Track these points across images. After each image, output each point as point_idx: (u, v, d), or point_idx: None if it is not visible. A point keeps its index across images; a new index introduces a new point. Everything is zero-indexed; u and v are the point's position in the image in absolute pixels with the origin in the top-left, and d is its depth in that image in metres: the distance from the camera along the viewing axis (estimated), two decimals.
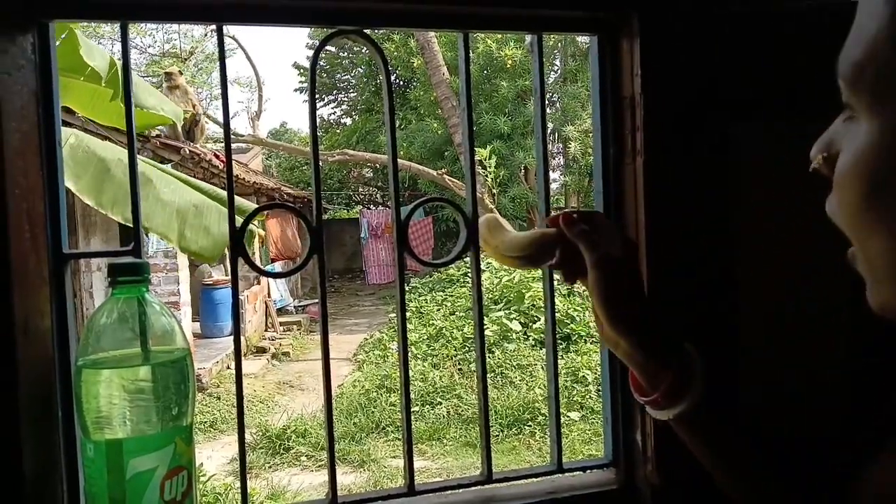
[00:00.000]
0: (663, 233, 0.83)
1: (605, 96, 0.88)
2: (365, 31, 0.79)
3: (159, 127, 7.31)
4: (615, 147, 0.87)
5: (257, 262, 0.81)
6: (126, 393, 0.63)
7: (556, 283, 0.87)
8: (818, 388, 0.87)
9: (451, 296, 9.77)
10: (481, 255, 0.85)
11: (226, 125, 0.74)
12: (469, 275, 9.74)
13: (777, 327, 0.86)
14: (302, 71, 22.23)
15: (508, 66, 13.15)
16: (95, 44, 2.73)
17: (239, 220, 0.74)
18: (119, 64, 2.60)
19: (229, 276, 7.22)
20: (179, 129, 7.44)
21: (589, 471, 0.89)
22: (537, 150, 0.89)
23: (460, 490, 0.85)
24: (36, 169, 0.67)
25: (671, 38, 0.82)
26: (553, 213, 0.73)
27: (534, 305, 7.96)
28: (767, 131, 0.85)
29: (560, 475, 0.88)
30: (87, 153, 2.31)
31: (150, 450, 0.63)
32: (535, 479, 0.88)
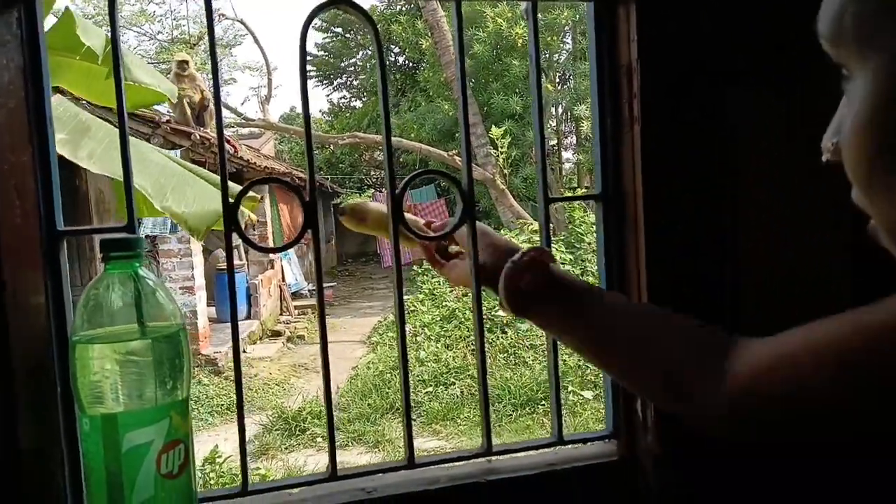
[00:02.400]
0: (660, 200, 0.81)
1: (603, 64, 0.86)
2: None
3: (169, 112, 7.34)
4: (613, 116, 0.86)
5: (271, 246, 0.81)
6: (120, 367, 0.63)
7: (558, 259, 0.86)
8: None
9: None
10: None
11: (216, 94, 0.74)
12: None
13: (776, 292, 0.84)
14: (310, 56, 22.17)
15: (519, 45, 13.03)
16: (91, 23, 2.72)
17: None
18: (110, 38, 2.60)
19: (242, 261, 7.22)
20: (189, 114, 7.46)
21: (590, 443, 0.89)
22: (534, 121, 0.87)
23: (460, 462, 0.85)
24: (25, 145, 0.67)
25: (667, 3, 0.80)
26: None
27: None
28: (759, 97, 0.83)
29: (561, 447, 0.88)
30: (68, 112, 2.32)
31: (146, 423, 0.64)
32: (535, 452, 0.88)
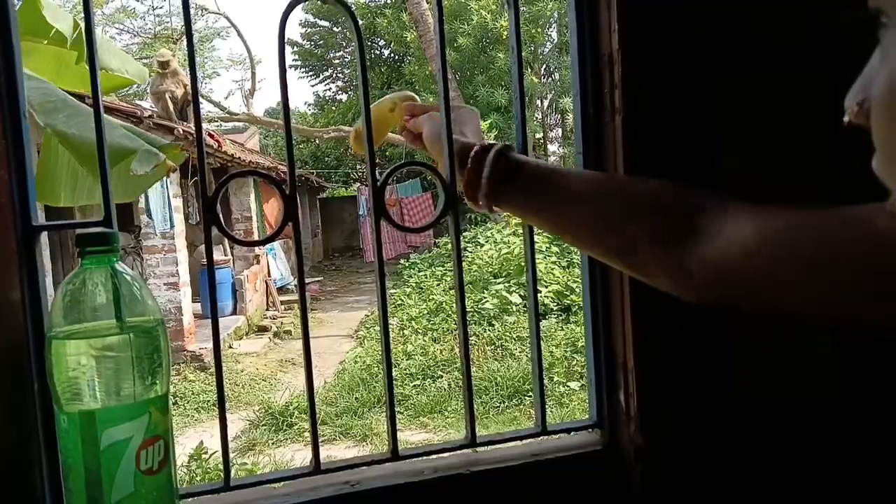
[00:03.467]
0: None
1: (584, 55, 0.86)
2: None
3: (152, 107, 7.25)
4: (595, 106, 0.86)
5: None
6: (97, 363, 0.62)
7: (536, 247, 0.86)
8: (804, 345, 0.86)
9: (451, 271, 9.78)
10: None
11: (193, 82, 0.73)
12: (468, 248, 9.69)
13: None
14: (296, 48, 22.02)
15: (504, 37, 13.00)
16: (59, 6, 2.62)
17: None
18: (83, 26, 2.53)
19: (227, 256, 7.19)
20: (172, 109, 7.38)
21: (574, 432, 0.89)
22: (515, 112, 0.87)
23: (445, 454, 0.85)
24: None
25: None
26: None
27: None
28: (756, 83, 0.83)
29: (545, 437, 0.88)
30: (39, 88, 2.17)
31: (125, 420, 0.63)
32: (519, 442, 0.88)
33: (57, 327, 0.64)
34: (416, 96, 0.88)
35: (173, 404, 5.87)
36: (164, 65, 7.79)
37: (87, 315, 0.65)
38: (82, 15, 0.72)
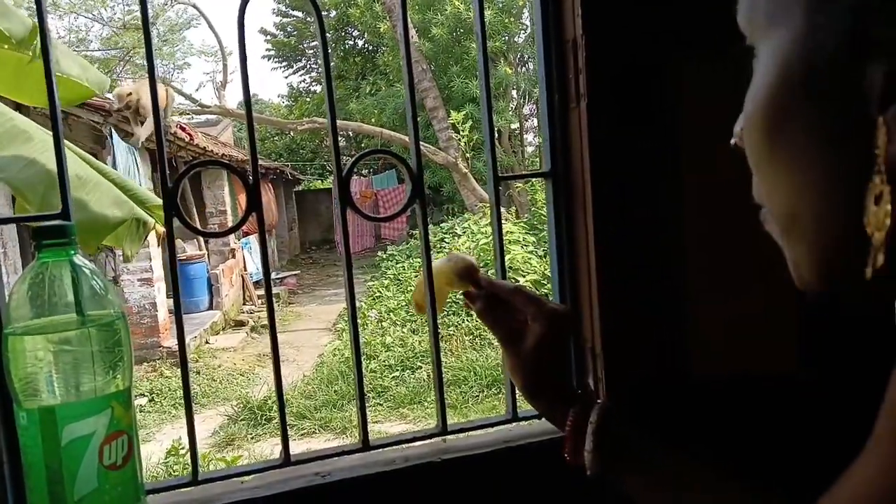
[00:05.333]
0: (608, 175, 0.82)
1: (549, 40, 0.86)
2: None
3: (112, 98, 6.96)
4: (560, 92, 0.86)
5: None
6: (56, 358, 0.61)
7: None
8: (771, 325, 0.87)
9: (421, 252, 9.77)
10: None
11: (150, 69, 0.71)
12: (445, 240, 9.66)
13: (726, 267, 0.86)
14: (269, 37, 21.75)
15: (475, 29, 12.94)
16: (11, 5, 2.49)
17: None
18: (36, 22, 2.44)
19: (202, 251, 7.09)
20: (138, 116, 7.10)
21: (543, 418, 0.89)
22: (482, 97, 0.87)
23: (416, 443, 0.85)
24: None
25: None
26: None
27: (511, 268, 7.99)
28: (719, 65, 0.83)
29: (515, 424, 0.88)
30: None
31: (86, 415, 0.62)
32: (490, 429, 0.88)
33: (15, 322, 0.62)
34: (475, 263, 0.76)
35: (150, 401, 5.76)
36: (124, 99, 6.68)
37: (46, 309, 0.63)
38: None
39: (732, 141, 0.42)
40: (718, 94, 0.85)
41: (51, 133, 0.64)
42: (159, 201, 2.32)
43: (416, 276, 9.14)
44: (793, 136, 0.35)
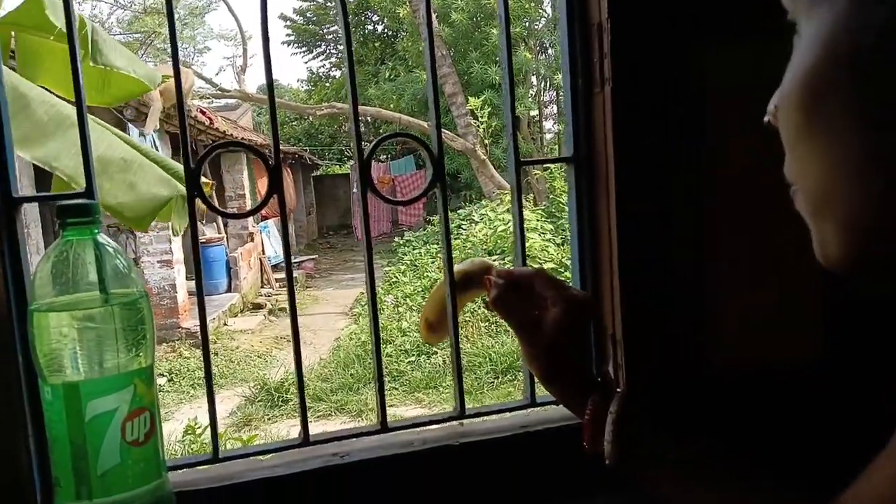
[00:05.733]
0: (632, 162, 0.81)
1: (573, 24, 0.85)
2: None
3: None
4: (584, 77, 0.85)
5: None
6: (80, 335, 0.62)
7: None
8: (791, 315, 0.86)
9: (441, 241, 9.77)
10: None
11: (174, 52, 0.71)
12: (462, 226, 9.65)
13: (748, 256, 0.85)
14: (289, 23, 21.74)
15: (498, 12, 12.83)
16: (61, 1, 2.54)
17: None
18: (88, 23, 2.48)
19: (221, 234, 7.13)
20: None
21: (562, 404, 0.89)
22: (504, 84, 0.86)
23: (433, 426, 0.85)
24: None
25: None
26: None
27: (528, 255, 7.97)
28: (745, 50, 0.82)
29: (533, 409, 0.88)
30: (8, 87, 2.15)
31: (109, 391, 0.63)
32: (508, 414, 0.88)
33: (39, 299, 0.63)
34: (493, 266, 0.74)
35: (169, 381, 5.85)
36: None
37: (69, 287, 0.64)
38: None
39: (766, 118, 0.42)
40: (744, 80, 0.83)
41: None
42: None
43: (432, 262, 9.15)
44: (832, 114, 0.35)
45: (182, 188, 2.19)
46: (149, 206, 2.19)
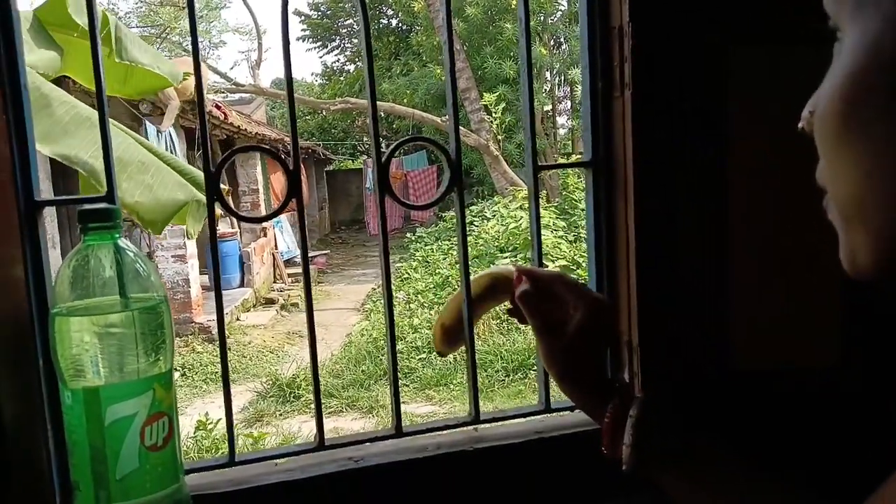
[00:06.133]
0: (652, 167, 0.80)
1: (594, 26, 0.84)
2: None
3: None
4: (604, 80, 0.84)
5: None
6: (101, 340, 0.62)
7: (544, 224, 0.85)
8: (809, 320, 0.85)
9: (458, 244, 9.78)
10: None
11: (194, 48, 0.71)
12: (475, 223, 9.64)
13: (769, 261, 0.84)
14: (303, 18, 21.76)
15: (513, 6, 12.80)
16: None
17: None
18: (112, 19, 2.50)
19: (234, 229, 7.18)
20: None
21: (577, 410, 0.89)
22: (523, 86, 0.85)
23: (447, 431, 0.85)
24: None
25: None
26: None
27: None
28: (767, 55, 0.81)
29: (548, 415, 0.88)
30: (30, 87, 2.21)
31: (129, 396, 0.63)
32: (522, 419, 0.88)
33: (61, 303, 0.64)
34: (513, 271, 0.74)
35: (182, 376, 5.91)
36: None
37: (90, 291, 0.64)
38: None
39: (800, 124, 0.41)
40: (766, 85, 0.82)
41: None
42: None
43: (444, 258, 9.15)
44: (870, 121, 0.34)
45: (197, 193, 2.22)
46: (165, 209, 2.23)
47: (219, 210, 0.76)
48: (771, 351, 0.86)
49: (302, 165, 0.81)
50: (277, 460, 0.80)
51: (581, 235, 8.05)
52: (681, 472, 0.62)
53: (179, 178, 2.32)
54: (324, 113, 17.98)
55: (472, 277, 0.80)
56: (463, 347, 0.84)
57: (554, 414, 0.88)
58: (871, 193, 0.36)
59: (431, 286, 8.10)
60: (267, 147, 0.80)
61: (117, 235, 0.65)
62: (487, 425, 0.86)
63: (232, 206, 0.77)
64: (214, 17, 22.65)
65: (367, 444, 0.83)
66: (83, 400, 0.62)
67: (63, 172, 7.19)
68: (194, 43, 0.74)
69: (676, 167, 0.81)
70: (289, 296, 9.66)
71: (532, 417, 0.88)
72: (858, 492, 0.42)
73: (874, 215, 0.36)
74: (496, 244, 8.51)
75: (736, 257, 0.83)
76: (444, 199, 0.83)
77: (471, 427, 0.86)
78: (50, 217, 6.32)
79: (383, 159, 0.80)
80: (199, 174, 2.49)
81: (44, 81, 2.27)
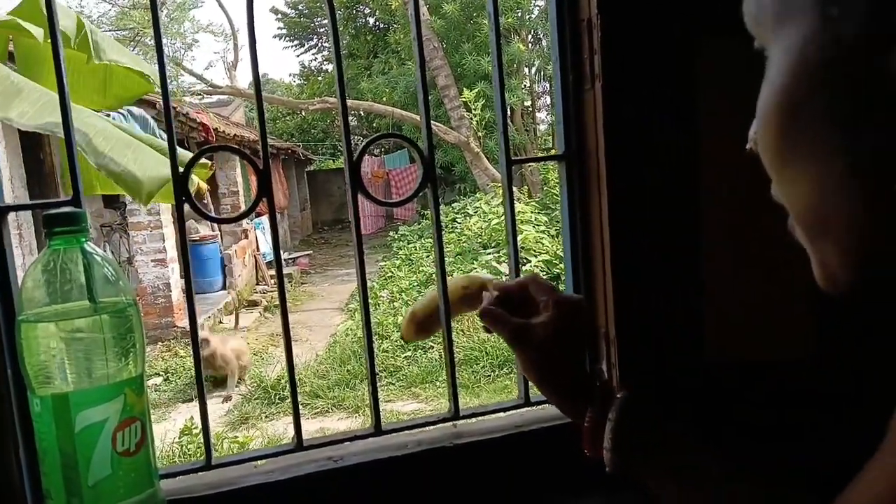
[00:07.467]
0: (624, 159, 0.80)
1: (563, 20, 0.84)
2: None
3: None
4: (574, 73, 0.84)
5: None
6: (68, 346, 0.61)
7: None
8: (784, 310, 0.86)
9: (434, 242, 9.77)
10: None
11: (159, 51, 0.70)
12: (457, 220, 9.63)
13: (743, 252, 0.84)
14: (280, 16, 21.61)
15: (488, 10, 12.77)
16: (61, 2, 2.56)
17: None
18: (88, 26, 2.46)
19: (215, 232, 7.10)
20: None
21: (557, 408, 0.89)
22: (495, 82, 0.85)
23: (428, 428, 0.85)
24: None
25: None
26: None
27: (523, 247, 7.97)
28: (738, 46, 0.81)
29: (527, 408, 0.88)
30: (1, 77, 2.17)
31: (99, 402, 0.62)
32: (503, 414, 0.88)
33: (26, 310, 0.63)
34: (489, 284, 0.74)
35: (165, 380, 5.83)
36: None
37: (58, 296, 0.63)
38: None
39: (748, 146, 0.40)
40: (738, 76, 0.83)
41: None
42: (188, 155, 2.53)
43: (427, 256, 9.14)
44: (809, 131, 0.34)
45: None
46: (151, 181, 2.25)
47: (204, 187, 0.75)
48: (745, 342, 0.86)
49: (280, 166, 0.80)
50: (256, 462, 0.79)
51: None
52: (660, 470, 0.62)
53: (161, 157, 2.33)
54: (303, 113, 17.89)
55: (451, 279, 0.79)
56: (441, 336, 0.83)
57: (533, 407, 0.88)
58: (829, 201, 0.35)
59: (415, 284, 8.10)
60: (235, 147, 0.79)
61: (84, 239, 0.64)
62: (468, 421, 0.86)
63: (201, 207, 0.76)
64: (184, 18, 22.35)
65: (347, 443, 0.82)
66: (52, 407, 0.61)
67: (40, 175, 7.09)
68: (158, 43, 0.73)
69: (648, 159, 0.81)
70: (271, 298, 9.60)
71: (512, 411, 0.88)
72: (831, 485, 0.42)
73: (838, 231, 0.35)
74: (479, 241, 8.52)
75: (708, 248, 0.84)
76: (418, 195, 0.83)
77: (450, 423, 0.86)
78: (27, 224, 6.22)
79: (354, 157, 0.79)
80: (185, 154, 2.51)
81: (16, 75, 2.25)
